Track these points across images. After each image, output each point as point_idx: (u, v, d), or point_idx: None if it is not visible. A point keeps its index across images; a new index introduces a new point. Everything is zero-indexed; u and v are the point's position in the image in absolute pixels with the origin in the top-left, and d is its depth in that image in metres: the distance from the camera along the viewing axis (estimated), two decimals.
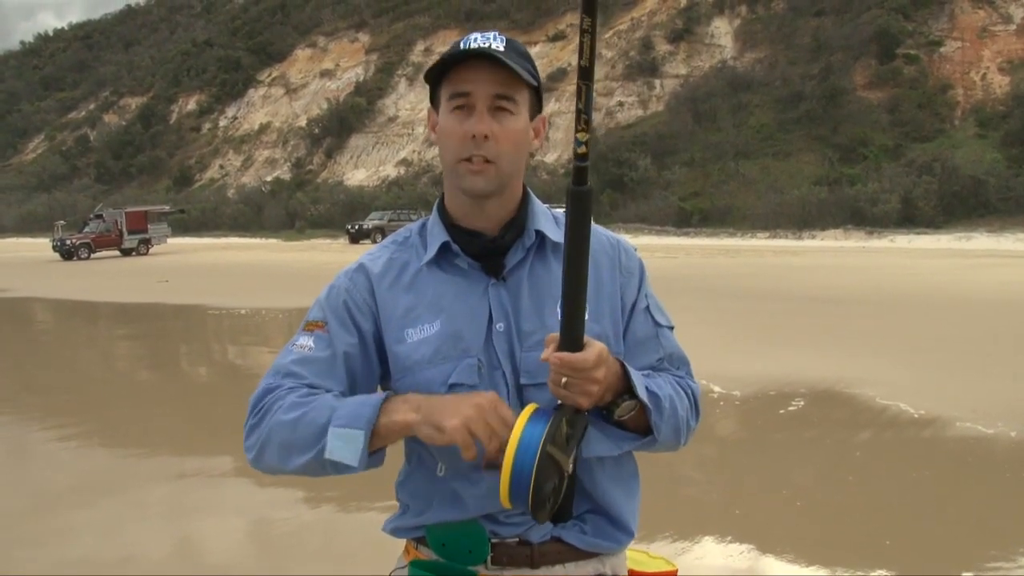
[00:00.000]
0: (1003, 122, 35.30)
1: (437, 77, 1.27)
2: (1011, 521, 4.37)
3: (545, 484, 1.09)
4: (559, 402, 1.16)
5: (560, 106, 51.38)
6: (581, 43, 1.02)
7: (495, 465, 1.11)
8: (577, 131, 1.07)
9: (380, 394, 1.23)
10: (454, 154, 1.26)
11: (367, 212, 42.32)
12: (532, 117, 1.31)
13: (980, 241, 27.81)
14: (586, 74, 1.03)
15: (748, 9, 51.41)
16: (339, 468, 1.20)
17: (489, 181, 1.25)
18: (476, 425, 1.12)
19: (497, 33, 1.27)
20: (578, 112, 1.06)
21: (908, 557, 3.87)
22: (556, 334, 1.16)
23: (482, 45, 1.22)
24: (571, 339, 1.13)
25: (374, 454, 1.21)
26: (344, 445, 1.17)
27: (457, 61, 1.23)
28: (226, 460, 5.77)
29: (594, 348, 1.15)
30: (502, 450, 1.10)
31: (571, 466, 1.15)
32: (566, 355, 1.12)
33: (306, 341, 1.32)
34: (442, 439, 1.14)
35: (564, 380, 1.13)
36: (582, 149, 1.07)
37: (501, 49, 1.23)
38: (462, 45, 1.24)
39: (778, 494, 4.85)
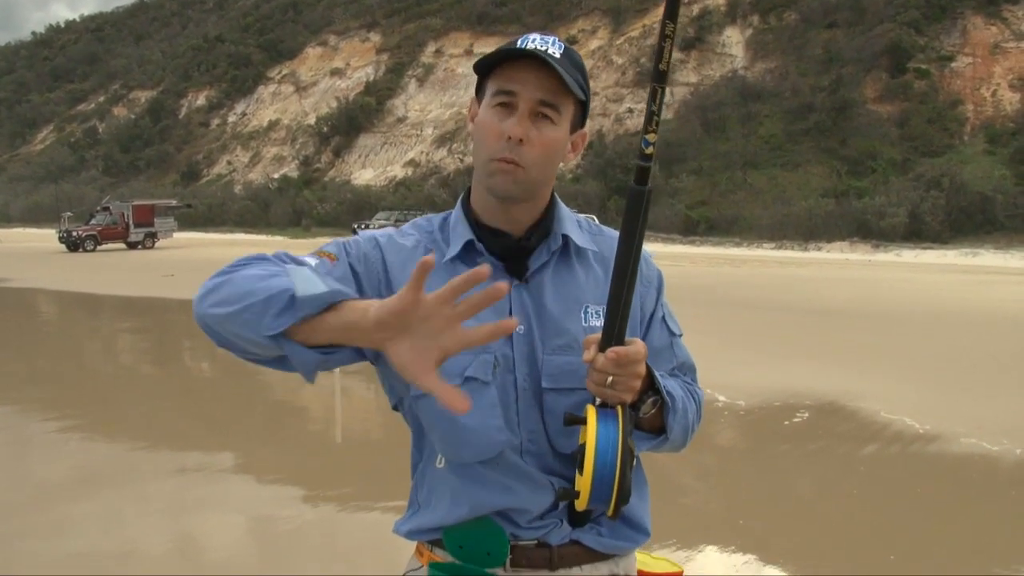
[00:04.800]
0: (1012, 139, 35.34)
1: (487, 70, 1.25)
2: (1015, 538, 4.35)
3: (627, 481, 1.08)
4: (598, 400, 1.15)
5: None
6: (660, 47, 1.03)
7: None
8: (647, 132, 1.07)
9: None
10: (487, 151, 1.23)
11: (373, 212, 42.45)
12: (573, 130, 1.28)
13: (987, 257, 27.80)
14: (662, 77, 1.05)
15: (760, 19, 51.48)
16: (282, 313, 1.02)
17: (516, 184, 1.23)
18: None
19: (557, 39, 1.24)
20: (650, 114, 1.07)
21: (912, 572, 3.85)
22: (595, 335, 1.15)
23: (539, 47, 1.20)
24: (618, 336, 1.13)
25: (322, 349, 1.06)
26: (305, 281, 1.04)
27: (510, 58, 1.20)
28: (228, 456, 5.76)
29: (637, 340, 1.16)
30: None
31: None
32: (621, 349, 1.11)
33: (311, 260, 1.21)
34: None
35: (610, 379, 1.12)
36: (650, 150, 1.08)
37: (557, 56, 1.20)
38: (519, 43, 1.22)
39: (782, 505, 4.83)
